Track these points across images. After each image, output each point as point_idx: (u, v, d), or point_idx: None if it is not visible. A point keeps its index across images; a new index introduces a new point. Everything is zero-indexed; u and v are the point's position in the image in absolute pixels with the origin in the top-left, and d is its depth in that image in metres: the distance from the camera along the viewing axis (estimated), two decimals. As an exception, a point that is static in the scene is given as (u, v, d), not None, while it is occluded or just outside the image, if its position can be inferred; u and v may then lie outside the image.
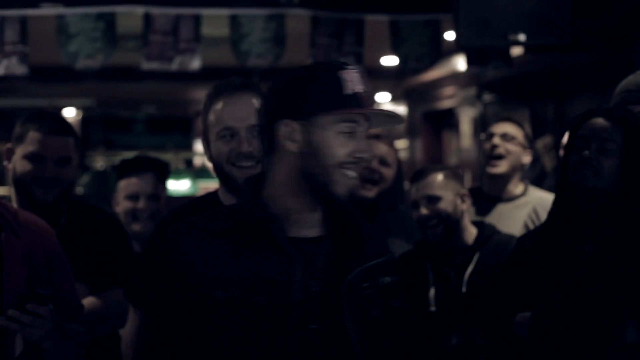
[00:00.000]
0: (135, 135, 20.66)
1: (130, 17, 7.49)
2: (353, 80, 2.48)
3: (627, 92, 3.67)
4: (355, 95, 2.47)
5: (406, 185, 4.58)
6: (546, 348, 3.07)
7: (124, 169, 4.56)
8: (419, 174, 4.27)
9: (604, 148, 3.07)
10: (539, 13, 6.27)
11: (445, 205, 4.16)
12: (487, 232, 4.24)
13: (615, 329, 2.93)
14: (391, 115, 2.54)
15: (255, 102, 3.08)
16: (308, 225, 2.49)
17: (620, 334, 2.91)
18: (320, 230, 2.51)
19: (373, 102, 2.73)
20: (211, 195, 3.23)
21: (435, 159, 13.80)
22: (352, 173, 2.45)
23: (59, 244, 3.18)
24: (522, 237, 3.66)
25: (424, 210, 4.16)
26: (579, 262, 3.05)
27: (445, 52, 8.37)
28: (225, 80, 3.17)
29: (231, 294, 2.39)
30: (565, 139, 4.75)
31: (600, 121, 3.13)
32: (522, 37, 6.24)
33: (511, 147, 5.01)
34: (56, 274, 3.11)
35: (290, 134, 2.45)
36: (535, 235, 3.43)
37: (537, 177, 8.92)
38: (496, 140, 5.03)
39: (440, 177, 4.22)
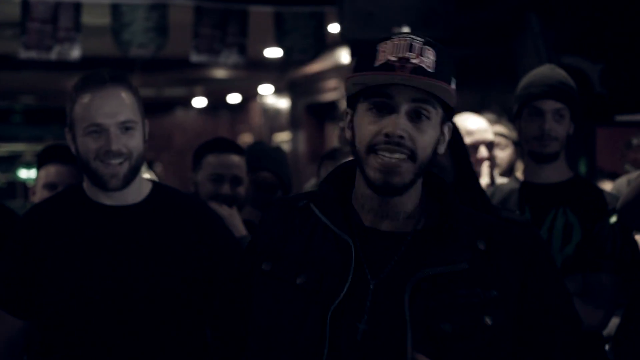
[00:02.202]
0: (12, 127, 20.19)
1: (8, 3, 7.31)
2: (388, 49, 2.15)
3: (549, 87, 3.68)
4: (385, 65, 2.14)
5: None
6: None
7: (45, 157, 4.37)
8: (339, 153, 4.21)
9: None
10: (423, 7, 6.34)
11: None
12: None
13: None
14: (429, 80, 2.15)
15: (125, 95, 2.98)
16: (392, 218, 2.24)
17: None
18: (411, 225, 2.24)
19: (415, 68, 2.49)
20: (77, 187, 3.15)
21: (318, 152, 13.83)
22: (384, 155, 2.14)
23: None
24: None
25: None
26: None
27: (329, 44, 8.39)
28: (93, 71, 3.05)
29: (276, 268, 2.27)
30: None
31: None
32: (406, 30, 6.29)
33: None
34: None
35: (345, 123, 2.28)
36: None
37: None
38: None
39: None
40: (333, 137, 13.76)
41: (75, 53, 7.24)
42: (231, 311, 2.49)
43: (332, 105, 13.16)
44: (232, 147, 4.10)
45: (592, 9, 7.05)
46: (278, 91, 15.54)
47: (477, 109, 6.34)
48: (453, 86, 2.19)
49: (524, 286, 2.26)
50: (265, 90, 15.91)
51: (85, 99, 2.97)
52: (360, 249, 2.21)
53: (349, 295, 2.16)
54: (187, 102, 19.63)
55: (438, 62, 2.15)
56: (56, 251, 2.98)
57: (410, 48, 2.14)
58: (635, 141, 6.60)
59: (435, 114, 2.18)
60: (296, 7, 7.65)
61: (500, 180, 4.57)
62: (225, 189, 3.95)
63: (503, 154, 5.05)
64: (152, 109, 19.47)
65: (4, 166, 17.34)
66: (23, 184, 16.58)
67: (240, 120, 19.65)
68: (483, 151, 4.39)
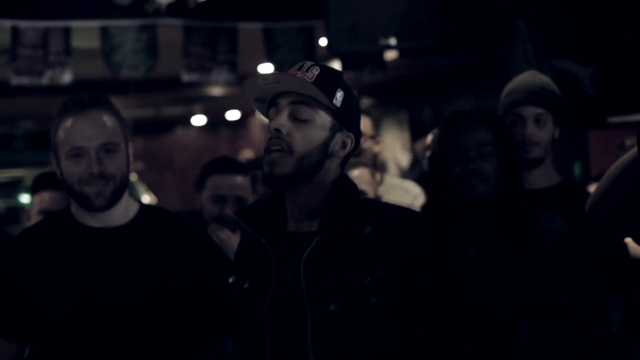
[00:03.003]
0: (14, 152, 20.21)
1: (-2, 30, 7.32)
2: (289, 71, 2.52)
3: (528, 93, 3.68)
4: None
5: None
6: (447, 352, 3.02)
7: (39, 184, 4.37)
8: (346, 165, 4.27)
9: (483, 153, 3.05)
10: (409, 17, 6.33)
11: None
12: None
13: (510, 331, 2.94)
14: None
15: (106, 118, 3.00)
16: (299, 218, 2.54)
17: (515, 335, 2.92)
18: (317, 224, 2.51)
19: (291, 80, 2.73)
20: (65, 211, 3.17)
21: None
22: (269, 154, 2.49)
23: None
24: None
25: None
26: (466, 266, 3.04)
27: (320, 58, 8.39)
28: (74, 95, 3.08)
29: (236, 279, 2.60)
30: (424, 143, 4.78)
31: (470, 126, 3.10)
32: (392, 41, 6.29)
33: (361, 142, 5.03)
34: None
35: None
36: None
37: (418, 178, 9.00)
38: None
39: (367, 173, 4.24)
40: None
41: (67, 77, 7.24)
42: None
43: (330, 118, 13.16)
44: (236, 167, 4.10)
45: (581, 11, 7.05)
46: (275, 106, 15.53)
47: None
48: (339, 94, 2.53)
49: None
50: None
51: (67, 123, 3.00)
52: (281, 249, 2.52)
53: (277, 291, 2.48)
54: (186, 121, 19.65)
55: (320, 75, 2.51)
56: (45, 274, 3.00)
57: (300, 68, 2.52)
58: (628, 142, 6.59)
59: (319, 117, 2.51)
60: (285, 23, 7.65)
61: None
62: (228, 210, 3.94)
63: None
64: (151, 128, 19.52)
65: (6, 192, 17.31)
66: (25, 209, 16.58)
67: (240, 137, 19.68)
68: None
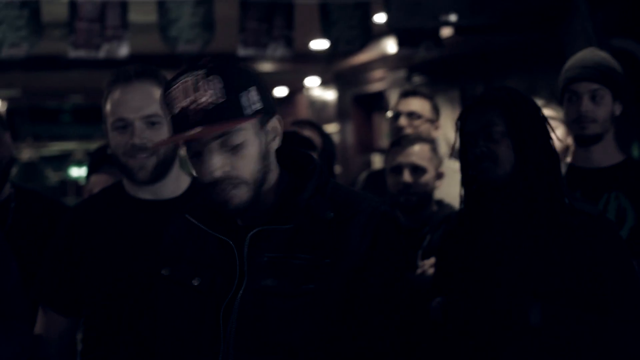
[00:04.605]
0: (62, 126, 20.35)
1: (55, 4, 7.34)
2: (179, 95, 2.27)
3: (583, 69, 3.67)
4: (178, 116, 2.28)
5: (337, 169, 4.60)
6: (457, 332, 3.03)
7: (98, 162, 4.38)
8: (405, 140, 4.24)
9: (491, 136, 3.03)
10: (469, -6, 6.32)
11: (427, 178, 4.15)
12: (445, 211, 4.22)
13: (519, 312, 2.91)
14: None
15: (152, 90, 3.01)
16: (259, 215, 2.38)
17: (524, 316, 2.90)
18: (267, 217, 2.38)
19: (197, 112, 2.42)
20: (117, 184, 3.19)
21: (367, 142, 13.79)
22: (220, 187, 2.31)
23: None
24: (447, 220, 3.63)
25: (407, 178, 4.13)
26: (488, 247, 3.03)
27: (375, 34, 8.35)
28: (122, 67, 3.09)
29: (175, 272, 2.44)
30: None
31: (479, 110, 3.07)
32: (453, 17, 6.28)
33: (418, 124, 5.01)
34: None
35: None
36: (455, 220, 3.34)
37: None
38: (403, 121, 5.03)
39: (427, 149, 4.22)
40: (381, 127, 13.72)
41: (124, 51, 7.27)
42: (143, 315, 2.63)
43: (380, 95, 13.12)
44: (303, 144, 4.12)
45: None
46: (325, 83, 15.50)
47: (526, 95, 6.23)
48: (251, 96, 2.29)
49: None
50: (312, 82, 15.89)
51: (115, 95, 3.03)
52: (240, 247, 2.35)
53: (237, 291, 2.32)
54: (234, 97, 19.67)
55: (226, 88, 2.25)
56: (97, 247, 3.03)
57: (187, 92, 2.24)
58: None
59: (246, 131, 2.29)
60: (341, -1, 7.63)
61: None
62: None
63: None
64: (199, 104, 19.54)
65: (56, 165, 17.47)
66: (75, 182, 16.74)
67: (288, 113, 19.65)
68: None
